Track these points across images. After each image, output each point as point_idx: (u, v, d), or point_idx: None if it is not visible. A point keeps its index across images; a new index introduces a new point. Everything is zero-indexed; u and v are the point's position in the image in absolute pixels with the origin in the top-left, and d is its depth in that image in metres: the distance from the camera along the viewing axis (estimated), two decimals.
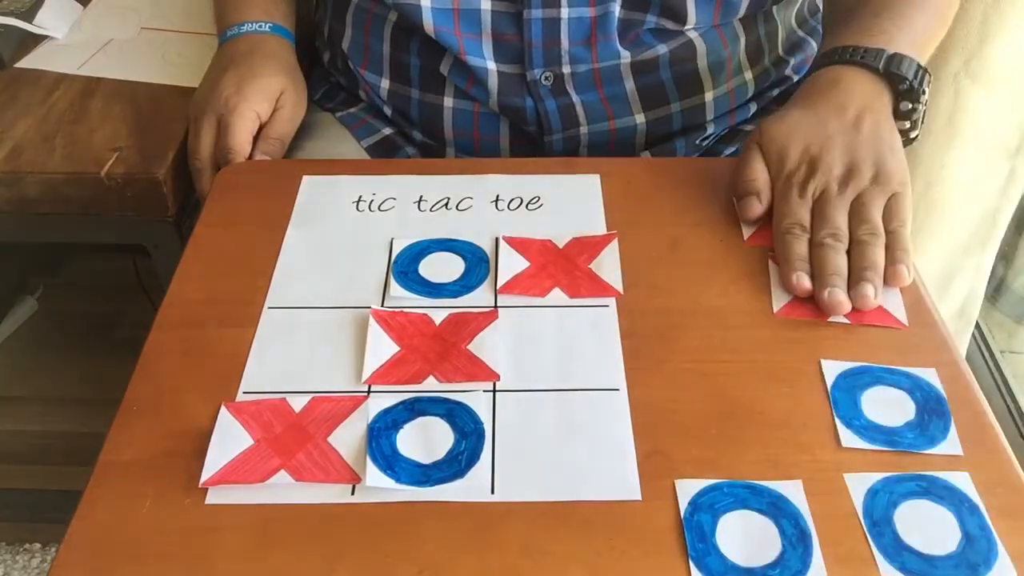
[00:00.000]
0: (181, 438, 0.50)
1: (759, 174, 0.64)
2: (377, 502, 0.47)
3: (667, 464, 0.48)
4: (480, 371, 0.53)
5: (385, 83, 0.80)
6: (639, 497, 0.47)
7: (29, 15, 0.92)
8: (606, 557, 0.44)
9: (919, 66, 0.65)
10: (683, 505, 0.46)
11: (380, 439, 0.49)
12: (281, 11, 0.82)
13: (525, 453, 0.49)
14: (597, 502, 0.47)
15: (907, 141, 0.66)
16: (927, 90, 0.66)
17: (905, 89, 0.65)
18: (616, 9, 0.72)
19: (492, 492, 0.47)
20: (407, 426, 0.50)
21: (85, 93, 0.85)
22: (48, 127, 0.80)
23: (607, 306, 0.58)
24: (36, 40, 0.92)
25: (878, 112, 0.64)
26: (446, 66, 0.76)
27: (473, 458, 0.49)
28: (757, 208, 0.63)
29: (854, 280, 0.57)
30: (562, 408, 0.51)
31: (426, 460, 0.49)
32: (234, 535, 0.45)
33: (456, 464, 0.48)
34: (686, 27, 0.73)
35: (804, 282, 0.57)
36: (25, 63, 0.90)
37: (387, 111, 0.82)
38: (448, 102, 0.78)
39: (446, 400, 0.52)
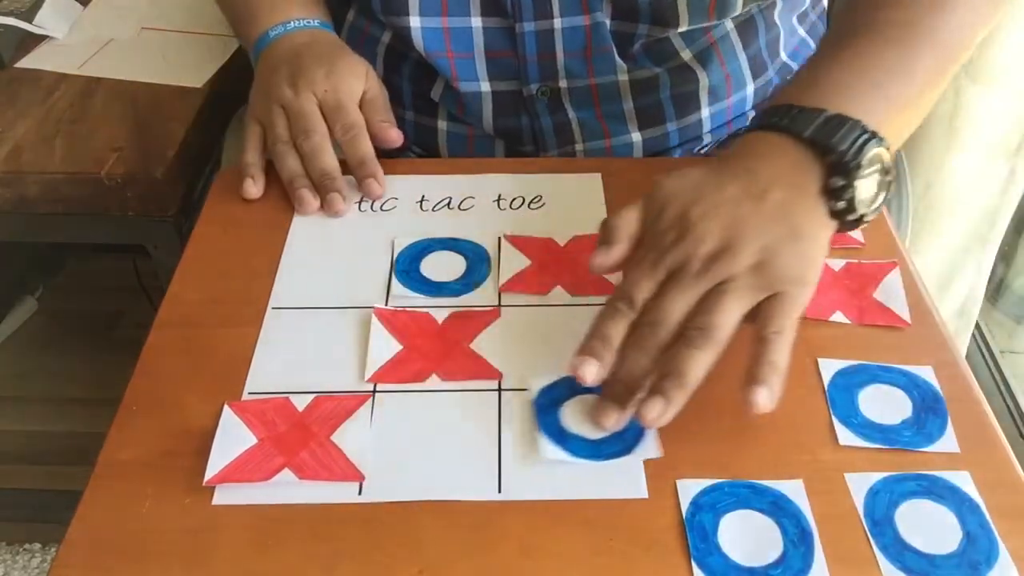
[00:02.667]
0: (181, 438, 0.50)
1: (626, 224, 0.53)
2: (379, 502, 0.47)
3: (668, 464, 0.48)
4: (483, 370, 0.53)
5: None
6: (646, 495, 0.47)
7: (29, 15, 0.93)
8: (606, 557, 0.44)
9: (865, 134, 0.52)
10: (684, 505, 0.46)
11: (546, 415, 0.50)
12: (322, 10, 0.78)
13: (532, 452, 0.49)
14: (597, 501, 0.47)
15: (846, 224, 0.53)
16: (873, 163, 0.52)
17: (834, 162, 0.52)
18: (606, 20, 0.70)
19: (499, 491, 0.47)
20: (568, 403, 0.51)
21: (85, 93, 0.85)
22: (48, 127, 0.80)
23: None
24: (36, 40, 0.93)
25: (795, 188, 0.52)
26: (437, 92, 0.75)
27: (639, 434, 0.49)
28: (603, 260, 0.52)
29: (651, 390, 0.47)
30: None
31: (592, 436, 0.49)
32: (234, 535, 0.45)
33: (622, 441, 0.49)
34: (679, 29, 0.71)
35: (586, 373, 0.48)
36: (25, 63, 0.90)
37: None
38: (442, 125, 0.77)
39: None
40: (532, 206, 0.66)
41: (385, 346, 0.55)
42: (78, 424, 1.18)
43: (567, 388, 0.52)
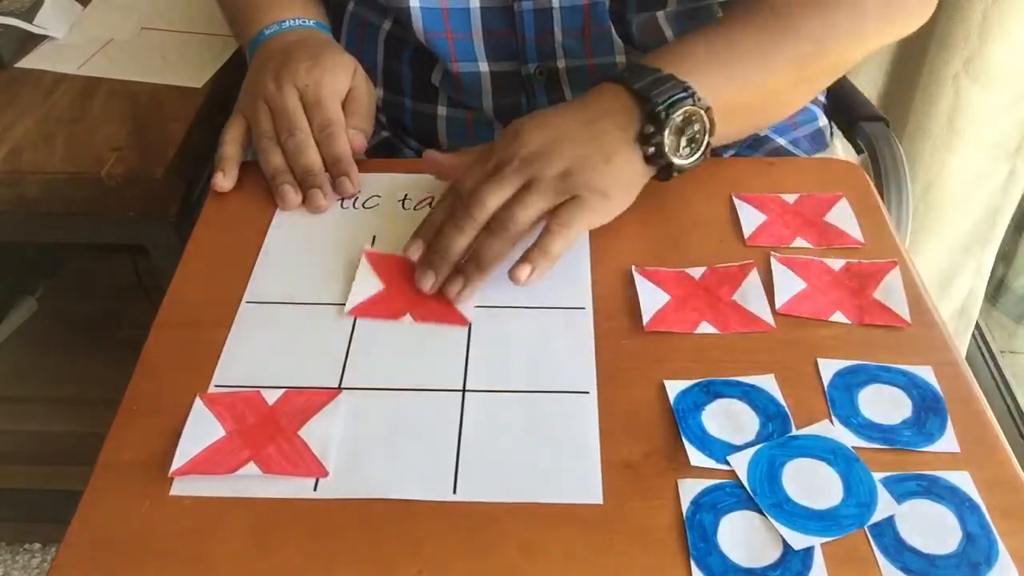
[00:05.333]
0: None
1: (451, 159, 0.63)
2: (376, 499, 0.47)
3: (669, 463, 0.48)
4: (452, 315, 0.56)
5: (379, 92, 0.79)
6: (600, 501, 0.46)
7: (29, 15, 0.93)
8: (606, 557, 0.44)
9: (683, 92, 0.58)
10: (685, 505, 0.46)
11: (688, 420, 0.50)
12: (319, 10, 0.78)
13: (491, 454, 0.49)
14: (598, 502, 0.47)
15: (659, 171, 0.60)
16: (688, 119, 0.58)
17: (650, 111, 0.58)
18: (604, 0, 0.70)
19: (454, 492, 0.47)
20: (708, 408, 0.51)
21: (85, 93, 0.85)
22: (48, 127, 0.80)
23: (583, 308, 0.57)
24: (36, 40, 0.93)
25: (619, 127, 0.58)
26: (437, 76, 0.76)
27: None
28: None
29: (454, 270, 0.57)
30: (530, 410, 0.51)
31: (737, 440, 0.49)
32: (234, 535, 0.45)
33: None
34: (668, 8, 0.72)
35: (411, 252, 0.58)
36: (25, 63, 0.90)
37: (382, 119, 0.81)
38: (441, 111, 0.78)
39: (739, 383, 0.52)
40: None
41: (368, 284, 0.58)
42: (78, 424, 1.18)
43: (703, 392, 0.52)
